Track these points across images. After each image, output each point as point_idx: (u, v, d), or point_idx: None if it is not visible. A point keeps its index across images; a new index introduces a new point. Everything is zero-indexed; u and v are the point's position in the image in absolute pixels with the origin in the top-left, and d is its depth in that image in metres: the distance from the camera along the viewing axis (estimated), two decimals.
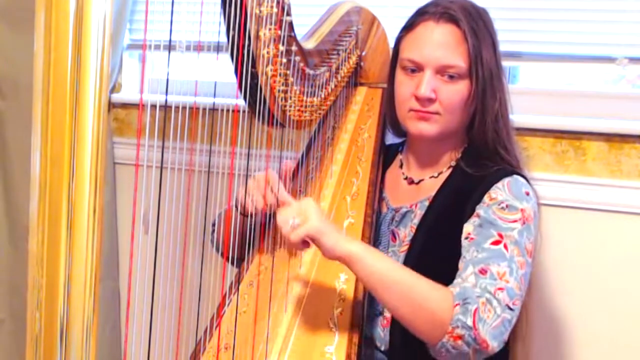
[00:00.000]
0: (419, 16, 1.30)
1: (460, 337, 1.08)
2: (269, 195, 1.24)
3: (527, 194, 1.24)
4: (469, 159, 1.31)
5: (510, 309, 1.11)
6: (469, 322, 1.07)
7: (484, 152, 1.30)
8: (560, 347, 1.65)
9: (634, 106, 1.62)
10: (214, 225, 1.44)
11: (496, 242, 1.17)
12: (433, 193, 1.31)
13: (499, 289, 1.11)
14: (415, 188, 1.37)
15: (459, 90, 1.26)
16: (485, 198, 1.23)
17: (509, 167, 1.28)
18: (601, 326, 1.61)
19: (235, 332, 1.18)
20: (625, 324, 1.59)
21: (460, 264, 1.18)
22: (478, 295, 1.10)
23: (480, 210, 1.22)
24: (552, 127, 1.63)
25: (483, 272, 1.13)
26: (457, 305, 1.09)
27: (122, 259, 2.09)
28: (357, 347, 1.14)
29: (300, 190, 1.40)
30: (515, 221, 1.19)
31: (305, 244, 1.12)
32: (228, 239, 1.31)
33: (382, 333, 1.28)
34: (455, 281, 1.15)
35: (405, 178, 1.39)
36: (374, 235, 1.32)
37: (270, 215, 1.37)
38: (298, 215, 1.10)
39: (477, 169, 1.28)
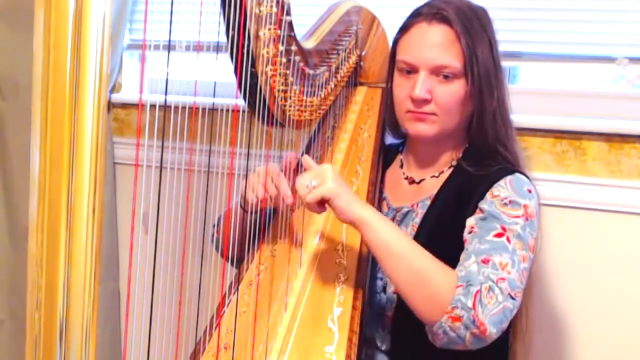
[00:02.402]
0: (413, 18, 1.30)
1: (459, 318, 1.07)
2: (270, 185, 1.25)
3: (529, 191, 1.24)
4: (470, 159, 1.31)
5: (513, 298, 1.11)
6: (469, 303, 1.07)
7: (484, 151, 1.30)
8: (560, 346, 1.65)
9: (634, 106, 1.62)
10: (215, 225, 1.44)
11: (499, 235, 1.17)
12: (434, 192, 1.31)
13: (501, 278, 1.11)
14: (416, 188, 1.37)
15: (454, 90, 1.26)
16: (488, 195, 1.23)
17: (510, 166, 1.28)
18: (601, 326, 1.61)
19: (235, 332, 1.18)
20: (625, 324, 1.59)
21: (462, 256, 1.17)
22: (481, 281, 1.10)
23: (483, 205, 1.22)
24: (552, 127, 1.63)
25: (485, 261, 1.13)
26: (460, 286, 1.09)
27: (122, 258, 2.09)
28: (357, 347, 1.14)
29: None
30: (518, 217, 1.19)
31: (321, 206, 1.16)
32: (228, 238, 1.32)
33: (382, 333, 1.28)
34: (457, 268, 1.14)
35: (406, 178, 1.39)
36: None
37: (270, 214, 1.37)
38: (315, 179, 1.14)
39: (478, 168, 1.28)
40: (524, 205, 1.20)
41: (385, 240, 1.12)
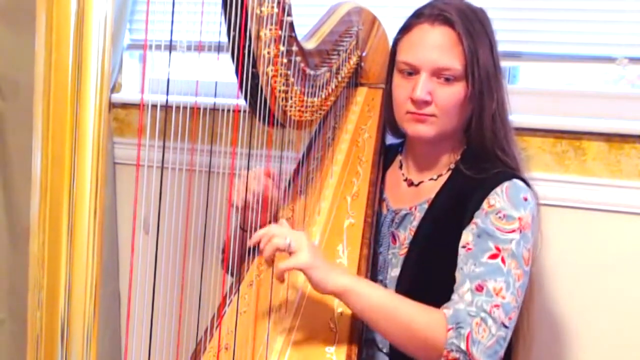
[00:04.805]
0: (415, 18, 1.30)
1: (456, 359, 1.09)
2: (253, 184, 1.27)
3: (525, 199, 1.23)
4: (467, 161, 1.31)
5: (505, 326, 1.13)
6: (463, 346, 1.09)
7: (482, 153, 1.30)
8: (561, 346, 1.65)
9: (634, 106, 1.62)
10: (222, 251, 1.43)
11: (494, 256, 1.17)
12: (432, 196, 1.31)
13: (495, 305, 1.12)
14: (414, 190, 1.36)
15: (455, 92, 1.26)
16: (484, 204, 1.22)
17: (509, 170, 1.28)
18: (601, 326, 1.61)
19: (235, 332, 1.18)
20: (625, 324, 1.60)
21: (457, 276, 1.18)
22: (473, 315, 1.11)
23: (478, 219, 1.22)
24: (552, 127, 1.63)
25: (479, 288, 1.14)
26: (450, 329, 1.10)
27: (122, 259, 2.09)
28: (357, 347, 1.14)
29: (300, 191, 1.40)
30: (512, 231, 1.19)
31: (283, 276, 1.12)
32: (228, 251, 1.31)
33: None
34: (452, 298, 1.15)
35: (405, 179, 1.39)
36: (375, 236, 1.32)
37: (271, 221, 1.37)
38: (291, 239, 1.10)
39: (476, 172, 1.28)
40: (519, 218, 1.20)
41: (368, 305, 1.12)
